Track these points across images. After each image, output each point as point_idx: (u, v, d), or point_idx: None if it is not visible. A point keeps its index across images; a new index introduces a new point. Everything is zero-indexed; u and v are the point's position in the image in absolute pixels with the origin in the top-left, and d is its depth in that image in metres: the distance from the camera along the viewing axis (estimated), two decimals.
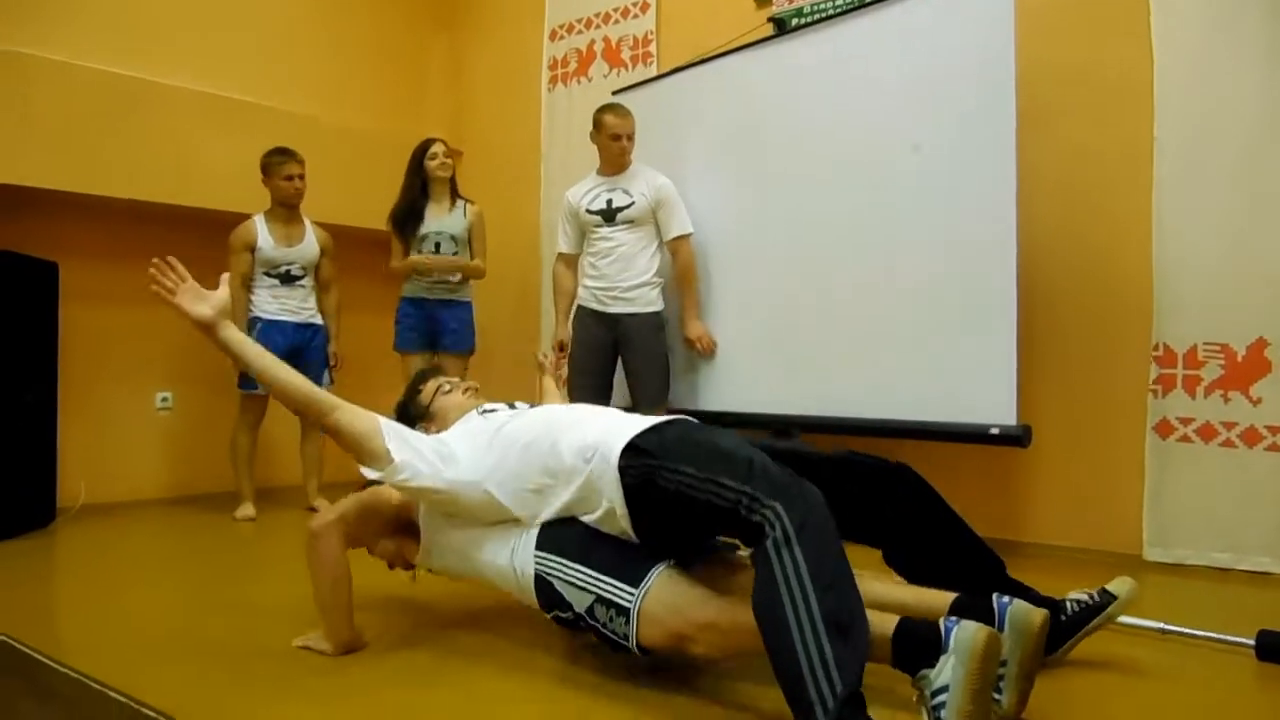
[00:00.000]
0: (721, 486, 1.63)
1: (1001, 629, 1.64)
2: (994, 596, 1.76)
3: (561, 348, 4.03)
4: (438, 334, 4.30)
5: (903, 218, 3.35)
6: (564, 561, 1.88)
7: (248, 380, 3.95)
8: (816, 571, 1.47)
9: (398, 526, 2.29)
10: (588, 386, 3.83)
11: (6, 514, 3.52)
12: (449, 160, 4.25)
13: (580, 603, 1.84)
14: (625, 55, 4.80)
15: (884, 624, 1.58)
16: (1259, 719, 1.84)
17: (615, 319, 3.82)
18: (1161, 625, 2.26)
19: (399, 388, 4.37)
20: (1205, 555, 3.07)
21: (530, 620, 2.33)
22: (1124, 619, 2.31)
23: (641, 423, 1.89)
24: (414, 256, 4.22)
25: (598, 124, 3.82)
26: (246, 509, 4.01)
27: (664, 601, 1.74)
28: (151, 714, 1.72)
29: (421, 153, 4.25)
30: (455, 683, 1.95)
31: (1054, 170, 3.40)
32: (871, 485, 1.98)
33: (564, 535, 1.92)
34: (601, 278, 3.84)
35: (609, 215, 3.83)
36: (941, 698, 1.47)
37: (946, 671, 1.48)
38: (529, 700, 1.86)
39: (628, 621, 1.76)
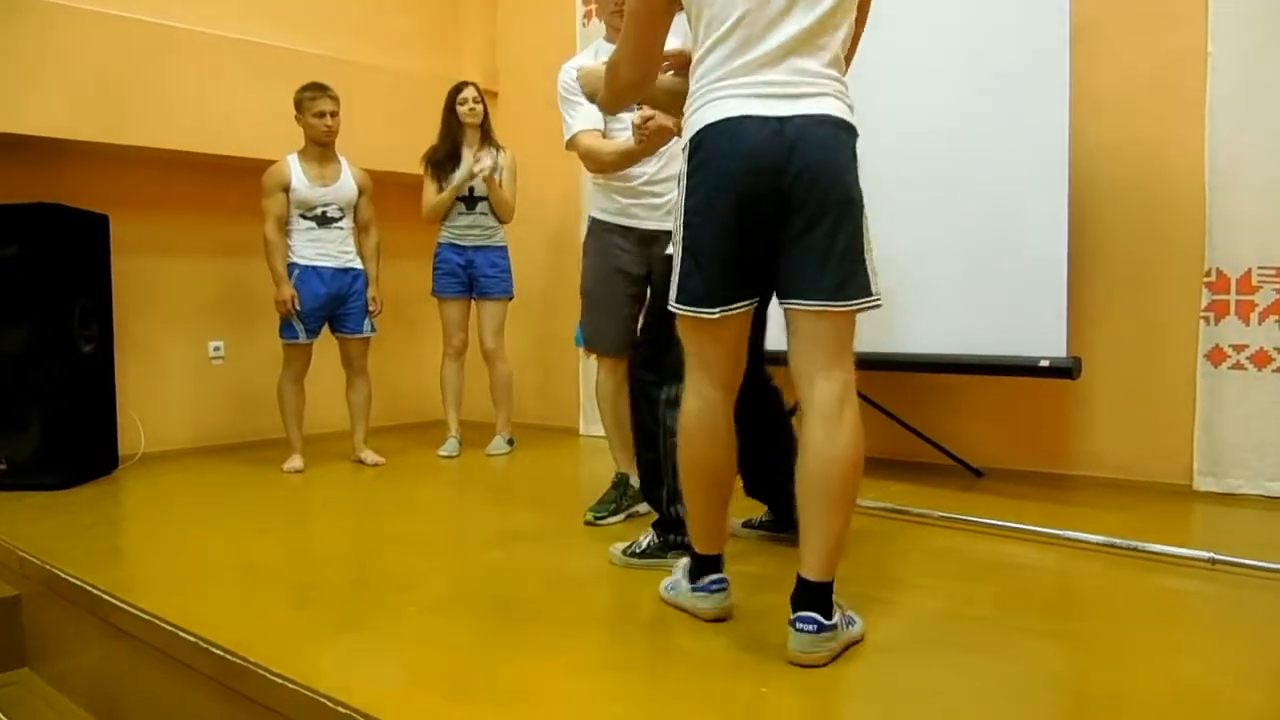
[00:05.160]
0: None
1: None
2: None
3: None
4: (474, 279, 4.32)
5: (953, 142, 3.30)
6: None
7: (290, 329, 3.95)
8: None
9: None
10: (614, 323, 3.01)
11: (73, 462, 3.66)
12: (479, 105, 4.21)
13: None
14: None
15: None
16: None
17: (654, 236, 2.88)
18: (1211, 555, 2.24)
19: (439, 333, 4.40)
20: (1257, 484, 3.03)
21: (591, 587, 2.38)
22: (1173, 549, 2.31)
23: None
24: (455, 180, 4.19)
25: None
26: (295, 461, 4.00)
27: None
28: (217, 651, 1.79)
29: (453, 97, 4.23)
30: (515, 630, 2.01)
31: (1104, 88, 3.29)
32: None
33: None
34: (638, 177, 2.91)
35: None
36: None
37: None
38: (586, 655, 1.92)
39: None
